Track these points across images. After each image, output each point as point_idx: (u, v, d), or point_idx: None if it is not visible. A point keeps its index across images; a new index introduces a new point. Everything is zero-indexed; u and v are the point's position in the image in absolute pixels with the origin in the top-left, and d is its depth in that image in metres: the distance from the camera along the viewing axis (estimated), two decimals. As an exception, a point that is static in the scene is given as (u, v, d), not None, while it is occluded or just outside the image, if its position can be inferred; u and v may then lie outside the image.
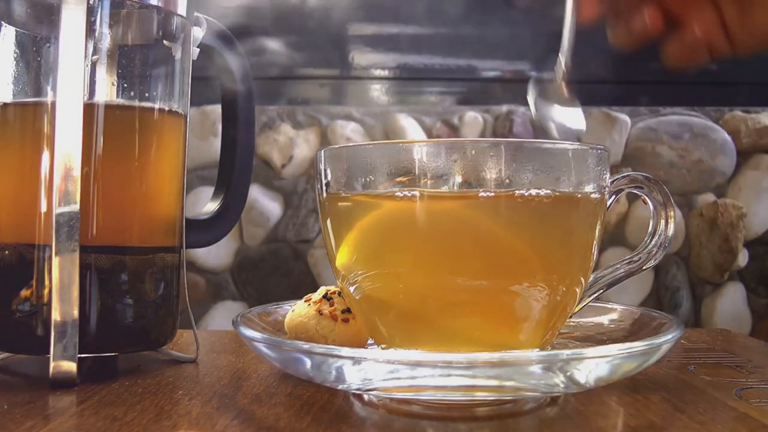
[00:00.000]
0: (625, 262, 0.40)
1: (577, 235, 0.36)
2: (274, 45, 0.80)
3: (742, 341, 0.53)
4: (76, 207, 0.38)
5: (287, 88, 0.82)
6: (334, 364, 0.31)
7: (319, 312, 0.39)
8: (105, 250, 0.40)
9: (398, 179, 0.35)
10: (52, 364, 0.38)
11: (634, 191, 0.39)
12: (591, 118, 0.80)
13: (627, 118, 0.80)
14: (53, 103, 0.39)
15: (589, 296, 0.40)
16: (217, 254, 0.77)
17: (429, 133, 0.79)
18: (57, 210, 0.38)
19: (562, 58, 0.39)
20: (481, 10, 0.82)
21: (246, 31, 0.79)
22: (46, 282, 0.39)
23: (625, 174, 0.39)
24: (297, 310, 0.40)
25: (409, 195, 0.34)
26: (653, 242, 0.39)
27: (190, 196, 0.76)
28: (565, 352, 0.30)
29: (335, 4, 0.81)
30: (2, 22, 0.42)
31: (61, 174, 0.38)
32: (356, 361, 0.31)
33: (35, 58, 0.42)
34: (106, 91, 0.42)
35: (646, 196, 0.39)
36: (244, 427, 0.32)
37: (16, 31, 0.42)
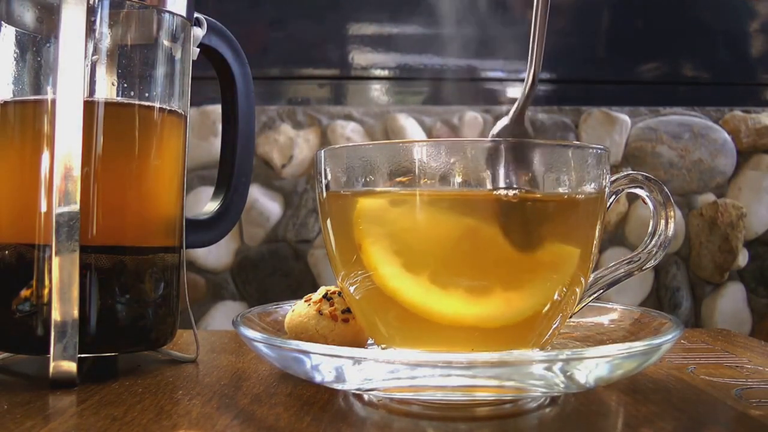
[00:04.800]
0: (625, 262, 0.40)
1: (577, 235, 0.36)
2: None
3: (742, 341, 0.53)
4: (76, 207, 0.38)
5: (287, 88, 0.82)
6: (334, 364, 0.31)
7: (319, 312, 0.39)
8: (105, 250, 0.40)
9: (398, 179, 0.35)
10: (52, 364, 0.38)
11: (634, 191, 0.39)
12: (591, 118, 0.80)
13: (627, 118, 0.80)
14: (53, 103, 0.39)
15: (589, 296, 0.40)
16: (217, 254, 0.77)
17: (429, 133, 0.79)
18: (57, 210, 0.38)
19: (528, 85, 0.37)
20: (480, 10, 0.82)
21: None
22: (46, 282, 0.39)
23: (625, 174, 0.39)
24: (297, 310, 0.40)
25: (409, 195, 0.34)
26: (653, 242, 0.39)
27: (190, 196, 0.76)
28: (565, 352, 0.30)
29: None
30: (2, 22, 0.42)
31: (61, 174, 0.38)
32: (356, 361, 0.31)
33: (35, 58, 0.42)
34: (106, 90, 0.42)
35: (646, 196, 0.39)
36: (244, 427, 0.32)
37: (16, 31, 0.42)
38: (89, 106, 0.40)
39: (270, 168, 0.78)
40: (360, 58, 0.82)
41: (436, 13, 0.82)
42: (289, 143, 0.78)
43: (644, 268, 0.40)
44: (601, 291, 0.40)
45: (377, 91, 0.83)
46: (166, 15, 0.43)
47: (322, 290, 0.41)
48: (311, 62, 0.82)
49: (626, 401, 0.36)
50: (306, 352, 0.32)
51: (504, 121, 0.38)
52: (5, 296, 0.40)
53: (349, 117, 0.79)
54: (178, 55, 0.44)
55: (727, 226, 0.78)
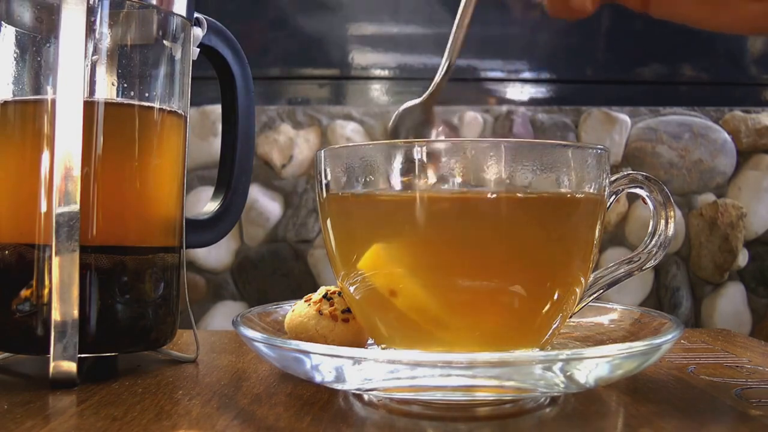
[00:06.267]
0: (625, 262, 0.40)
1: (577, 235, 0.36)
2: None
3: (742, 341, 0.53)
4: (76, 207, 0.38)
5: (287, 88, 0.82)
6: (334, 364, 0.31)
7: (319, 312, 0.39)
8: (105, 250, 0.40)
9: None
10: (52, 364, 0.38)
11: (634, 191, 0.39)
12: (591, 118, 0.80)
13: (627, 118, 0.80)
14: (53, 103, 0.39)
15: (589, 296, 0.40)
16: (217, 254, 0.77)
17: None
18: (57, 210, 0.38)
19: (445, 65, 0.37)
20: (480, 10, 0.82)
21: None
22: (46, 282, 0.39)
23: (625, 174, 0.39)
24: (297, 310, 0.40)
25: (409, 195, 0.34)
26: (653, 242, 0.39)
27: (190, 196, 0.76)
28: (565, 352, 0.30)
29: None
30: (2, 22, 0.42)
31: (61, 174, 0.38)
32: (356, 361, 0.31)
33: (35, 58, 0.42)
34: (106, 91, 0.42)
35: (646, 196, 0.39)
36: (244, 427, 0.32)
37: (16, 31, 0.42)
38: (89, 106, 0.40)
39: (270, 168, 0.78)
40: (360, 58, 0.82)
41: (436, 13, 0.82)
42: (289, 143, 0.78)
43: (644, 268, 0.40)
44: (601, 291, 0.40)
45: (377, 91, 0.83)
46: (166, 15, 0.43)
47: (322, 290, 0.41)
48: (311, 62, 0.82)
49: (626, 401, 0.36)
50: (306, 352, 0.32)
51: (413, 102, 0.38)
52: (5, 296, 0.40)
53: (349, 117, 0.79)
54: (178, 55, 0.44)
55: (727, 226, 0.78)
